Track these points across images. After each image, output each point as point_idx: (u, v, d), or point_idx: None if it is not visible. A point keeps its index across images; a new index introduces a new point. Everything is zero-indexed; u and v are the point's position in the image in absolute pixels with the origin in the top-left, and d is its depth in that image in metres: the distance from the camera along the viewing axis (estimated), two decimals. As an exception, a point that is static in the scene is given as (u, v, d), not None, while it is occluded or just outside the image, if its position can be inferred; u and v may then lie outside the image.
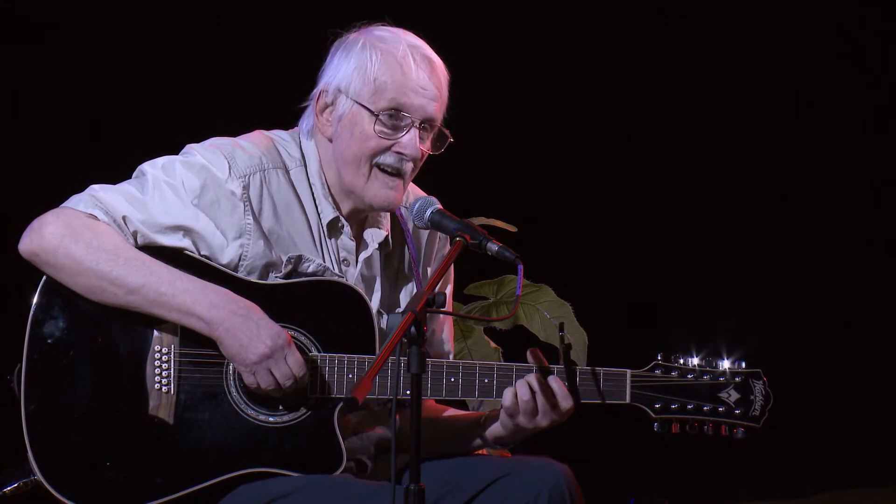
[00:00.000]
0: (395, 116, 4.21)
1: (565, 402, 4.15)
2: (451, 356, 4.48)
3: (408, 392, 3.68)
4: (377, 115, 4.20)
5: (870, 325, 7.50)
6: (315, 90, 4.31)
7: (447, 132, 4.28)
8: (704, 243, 7.36)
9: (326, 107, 4.27)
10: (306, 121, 4.33)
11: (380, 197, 4.25)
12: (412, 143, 4.22)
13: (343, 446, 4.12)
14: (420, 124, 4.23)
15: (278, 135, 4.34)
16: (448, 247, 4.43)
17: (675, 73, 7.32)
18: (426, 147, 4.26)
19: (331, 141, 4.28)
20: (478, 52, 6.88)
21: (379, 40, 4.24)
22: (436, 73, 4.24)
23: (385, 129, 4.21)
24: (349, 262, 4.32)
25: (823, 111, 7.40)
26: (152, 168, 4.20)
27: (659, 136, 7.35)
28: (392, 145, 4.22)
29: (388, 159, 4.24)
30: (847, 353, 7.51)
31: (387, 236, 4.36)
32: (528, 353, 4.20)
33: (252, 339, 4.06)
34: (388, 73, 4.20)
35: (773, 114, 7.39)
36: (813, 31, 7.32)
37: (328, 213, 4.29)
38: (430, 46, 4.30)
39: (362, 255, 4.32)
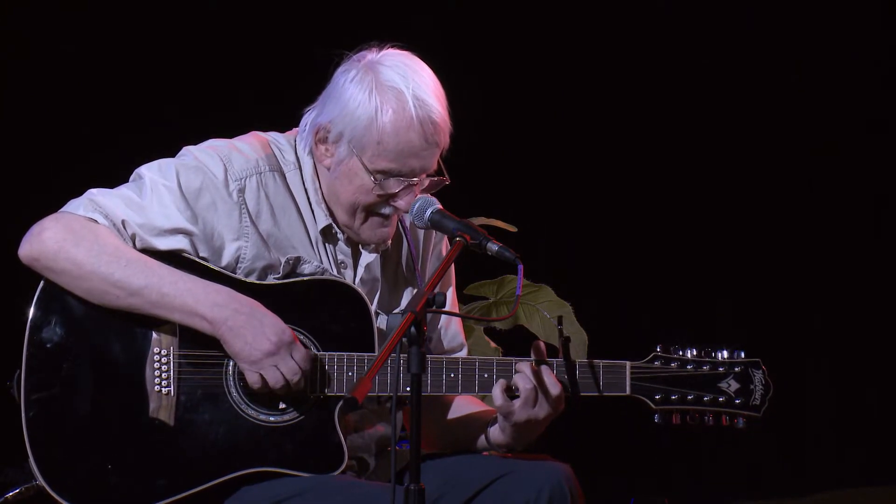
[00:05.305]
0: (392, 177, 4.18)
1: (554, 388, 4.11)
2: (465, 348, 4.49)
3: (408, 389, 3.69)
4: (373, 175, 4.17)
5: (870, 324, 7.49)
6: (315, 116, 4.24)
7: (444, 178, 4.24)
8: (704, 243, 7.36)
9: (326, 139, 4.22)
10: (305, 139, 4.28)
11: (375, 237, 4.27)
12: (408, 202, 4.18)
13: (344, 444, 4.12)
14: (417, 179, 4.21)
15: (274, 137, 4.33)
16: (445, 243, 4.43)
17: (677, 73, 7.32)
18: (420, 191, 4.22)
19: (327, 169, 4.26)
20: (477, 52, 6.88)
21: (389, 90, 4.14)
22: (439, 130, 4.18)
23: (382, 188, 4.18)
24: (346, 265, 4.31)
25: (822, 112, 7.40)
26: (149, 171, 4.20)
27: (658, 136, 7.34)
28: (388, 199, 4.21)
29: (384, 210, 4.23)
30: (847, 352, 7.51)
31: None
32: (532, 349, 4.19)
33: (256, 336, 4.06)
34: (393, 139, 4.14)
35: (771, 114, 7.39)
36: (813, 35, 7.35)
37: (322, 220, 4.28)
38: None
39: (362, 261, 4.31)
